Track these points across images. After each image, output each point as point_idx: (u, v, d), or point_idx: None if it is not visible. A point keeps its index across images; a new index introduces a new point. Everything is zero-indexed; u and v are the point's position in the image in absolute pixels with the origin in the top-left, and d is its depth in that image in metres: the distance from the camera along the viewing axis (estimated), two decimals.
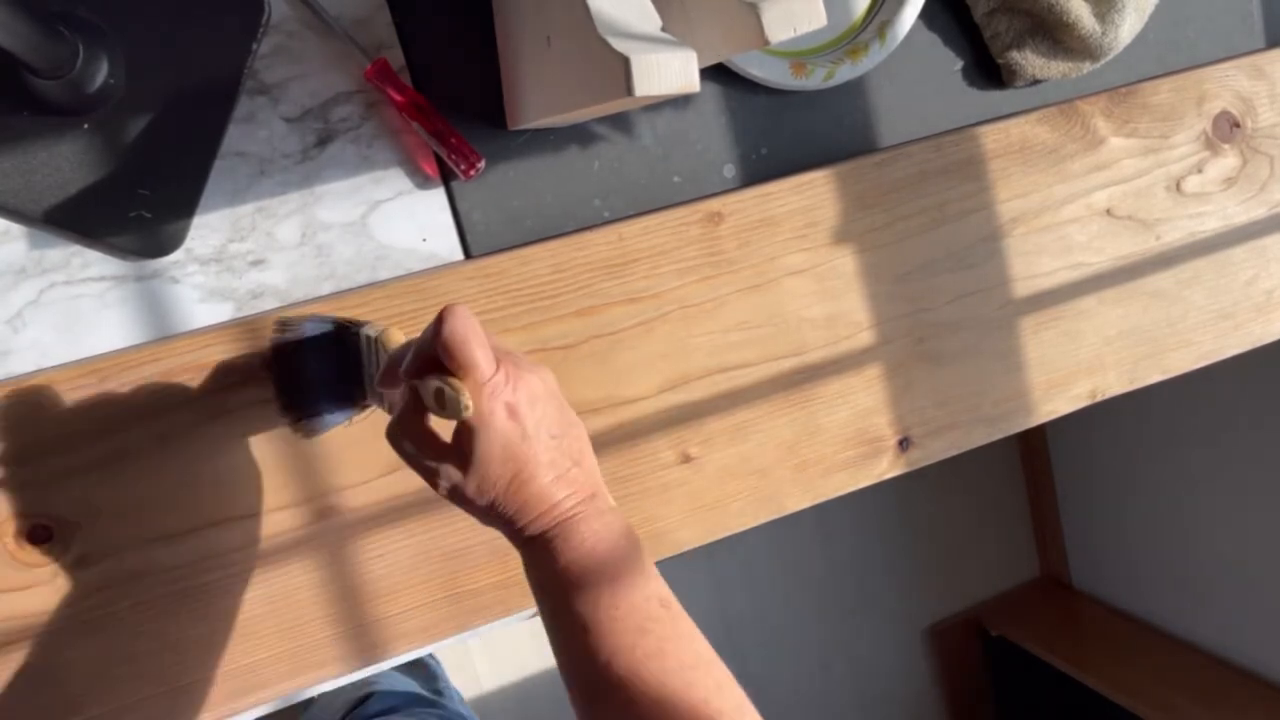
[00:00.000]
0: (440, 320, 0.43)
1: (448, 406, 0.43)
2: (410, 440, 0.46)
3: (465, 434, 0.45)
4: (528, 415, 0.45)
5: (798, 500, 0.69)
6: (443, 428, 0.46)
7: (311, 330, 0.55)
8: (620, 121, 0.64)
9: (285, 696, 0.60)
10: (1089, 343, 0.77)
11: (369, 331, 0.53)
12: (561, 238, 0.62)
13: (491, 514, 0.47)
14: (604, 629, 0.45)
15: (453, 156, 0.58)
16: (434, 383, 0.44)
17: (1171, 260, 0.79)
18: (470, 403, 0.43)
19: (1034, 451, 2.04)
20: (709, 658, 0.46)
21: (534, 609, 0.59)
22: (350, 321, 0.55)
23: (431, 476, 0.46)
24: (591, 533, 0.46)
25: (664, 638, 0.45)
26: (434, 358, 0.44)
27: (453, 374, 0.44)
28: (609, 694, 0.44)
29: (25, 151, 0.50)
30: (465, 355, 0.43)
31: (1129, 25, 0.73)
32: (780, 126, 0.68)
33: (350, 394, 0.55)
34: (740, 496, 0.68)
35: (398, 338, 0.52)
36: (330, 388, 0.55)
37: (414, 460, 0.47)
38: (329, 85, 0.57)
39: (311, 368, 0.55)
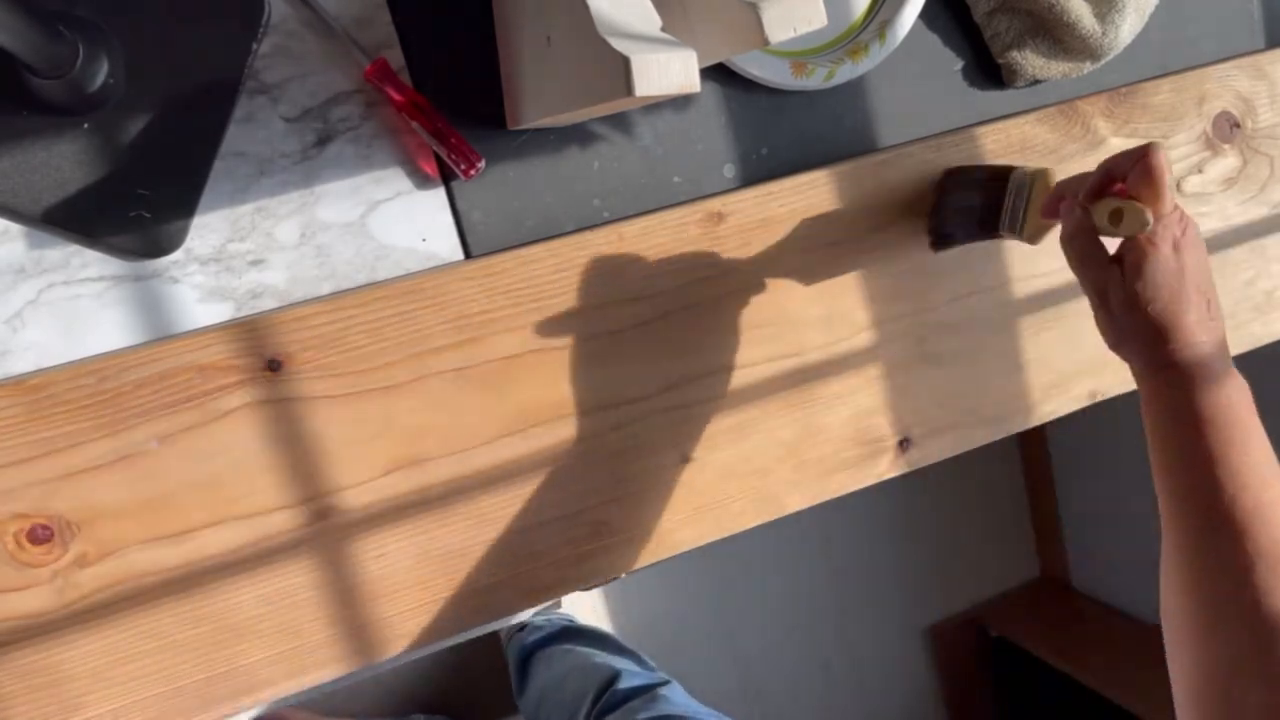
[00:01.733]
0: (1146, 153, 0.53)
1: (1126, 222, 0.54)
2: (1081, 247, 0.56)
3: (1134, 251, 0.54)
4: (1188, 256, 0.54)
5: (798, 500, 0.69)
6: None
7: (973, 174, 0.69)
8: (620, 121, 0.64)
9: (285, 697, 0.60)
10: (1089, 343, 0.77)
11: (1023, 172, 0.66)
12: (562, 237, 0.62)
13: (1133, 328, 0.55)
14: (1234, 466, 0.50)
15: (453, 156, 0.58)
16: (1114, 203, 0.55)
17: None
18: (1151, 220, 0.53)
19: (1034, 451, 2.04)
20: None
21: (532, 610, 0.60)
22: (1001, 167, 0.68)
23: (1094, 279, 0.56)
24: (1229, 380, 0.53)
25: None
26: (1112, 185, 0.56)
27: (1134, 199, 0.54)
28: (1228, 526, 0.49)
29: (25, 151, 0.50)
30: (1162, 185, 0.53)
31: (1129, 25, 0.72)
32: (780, 126, 0.68)
33: (984, 226, 0.68)
34: (740, 496, 0.68)
35: (1055, 177, 0.64)
36: (968, 218, 0.69)
37: (1081, 265, 0.56)
38: (329, 85, 0.57)
39: (959, 199, 0.69)
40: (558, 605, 1.39)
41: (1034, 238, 0.66)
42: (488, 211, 0.62)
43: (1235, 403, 0.53)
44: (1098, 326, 0.58)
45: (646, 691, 0.99)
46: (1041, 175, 0.65)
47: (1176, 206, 0.54)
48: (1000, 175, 0.68)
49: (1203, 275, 0.55)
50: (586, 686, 1.04)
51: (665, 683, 1.03)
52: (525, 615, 1.08)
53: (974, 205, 0.68)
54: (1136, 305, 0.53)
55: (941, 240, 0.71)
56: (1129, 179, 0.54)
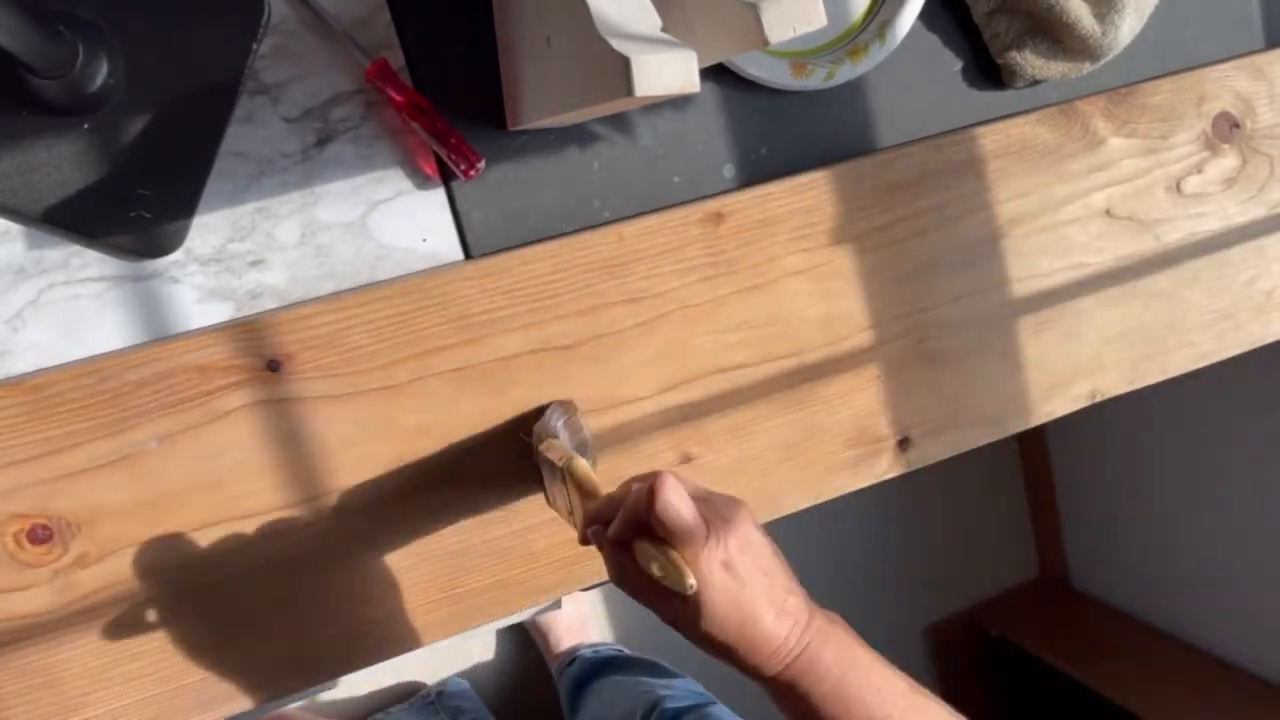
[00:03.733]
0: (652, 495, 0.46)
1: (669, 579, 0.46)
2: (633, 591, 0.49)
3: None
4: (740, 566, 0.47)
5: (798, 500, 0.69)
6: None
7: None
8: (620, 121, 0.64)
9: (285, 696, 0.60)
10: (1089, 343, 0.77)
11: (545, 452, 0.56)
12: (562, 238, 0.62)
13: (722, 654, 0.49)
14: None
15: (453, 156, 0.58)
16: (651, 553, 0.47)
17: (1171, 260, 0.79)
18: (693, 580, 0.45)
19: (1034, 451, 2.04)
20: None
21: (532, 610, 0.60)
22: (539, 433, 0.59)
23: (662, 615, 0.49)
24: (833, 663, 0.49)
25: None
26: (642, 523, 0.47)
27: (664, 541, 0.47)
28: None
29: (25, 151, 0.50)
30: (681, 528, 0.46)
31: (1129, 25, 0.73)
32: (780, 126, 0.68)
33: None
34: (740, 496, 0.68)
35: (582, 468, 0.54)
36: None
37: (644, 602, 0.49)
38: (329, 85, 0.57)
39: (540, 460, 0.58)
40: (557, 605, 1.39)
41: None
42: (488, 211, 0.62)
43: (852, 682, 0.50)
44: None
45: (694, 711, 1.00)
46: (567, 471, 0.54)
47: (707, 525, 0.47)
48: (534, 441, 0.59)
49: (763, 569, 0.49)
50: (632, 709, 1.06)
51: (713, 703, 1.04)
52: (524, 615, 1.09)
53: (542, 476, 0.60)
54: (711, 638, 0.48)
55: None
56: (654, 527, 0.47)
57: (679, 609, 0.48)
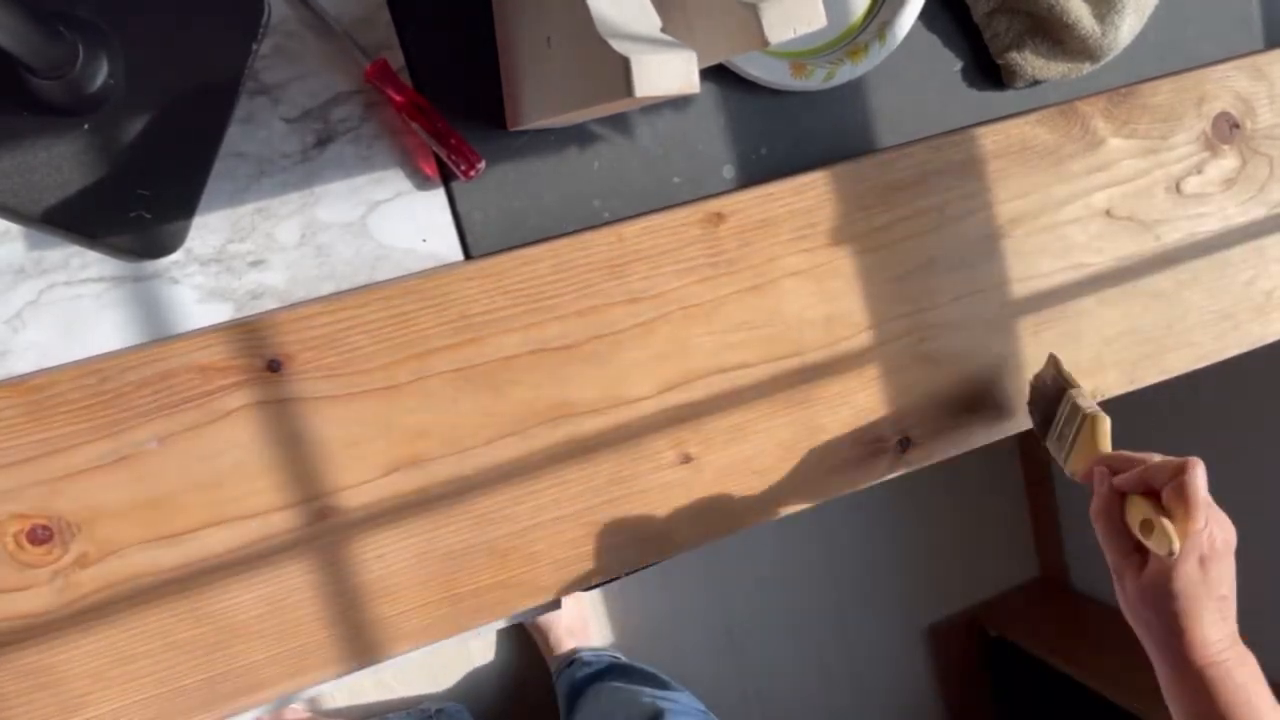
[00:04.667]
0: (1185, 469, 0.54)
1: (1154, 539, 0.54)
2: (1105, 528, 0.58)
3: (1159, 558, 0.55)
4: (1212, 569, 0.55)
5: (798, 500, 0.69)
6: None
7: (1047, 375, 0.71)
8: (620, 121, 0.64)
9: (284, 697, 0.60)
10: (1089, 343, 0.77)
11: (1077, 399, 0.66)
12: (562, 238, 0.62)
13: (1144, 620, 0.58)
14: None
15: (453, 157, 0.58)
16: (1146, 512, 0.55)
17: (1171, 261, 0.79)
18: (1176, 549, 0.53)
19: (1034, 452, 2.04)
20: None
21: (532, 610, 0.60)
22: (1066, 380, 0.69)
23: (1114, 563, 0.58)
24: (1243, 681, 0.56)
25: None
26: (1151, 486, 0.56)
27: (1163, 506, 0.55)
28: None
29: (25, 151, 0.50)
30: (1195, 506, 0.54)
31: (1129, 26, 0.73)
32: (780, 127, 0.68)
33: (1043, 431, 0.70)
34: (740, 496, 0.68)
35: (1104, 426, 0.63)
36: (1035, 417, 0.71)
37: (1104, 543, 0.58)
38: (329, 85, 0.57)
39: (1038, 396, 0.71)
40: (557, 605, 1.40)
41: (1075, 474, 0.65)
42: (488, 212, 0.62)
43: (1242, 687, 0.55)
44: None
45: None
46: (1091, 422, 0.64)
47: (1208, 520, 0.55)
48: (1062, 386, 0.69)
49: (1225, 583, 0.57)
50: (630, 718, 1.06)
51: None
52: (525, 615, 1.09)
53: (1038, 409, 0.72)
54: (1149, 603, 0.55)
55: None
56: (1165, 493, 0.55)
57: (1136, 563, 0.56)
